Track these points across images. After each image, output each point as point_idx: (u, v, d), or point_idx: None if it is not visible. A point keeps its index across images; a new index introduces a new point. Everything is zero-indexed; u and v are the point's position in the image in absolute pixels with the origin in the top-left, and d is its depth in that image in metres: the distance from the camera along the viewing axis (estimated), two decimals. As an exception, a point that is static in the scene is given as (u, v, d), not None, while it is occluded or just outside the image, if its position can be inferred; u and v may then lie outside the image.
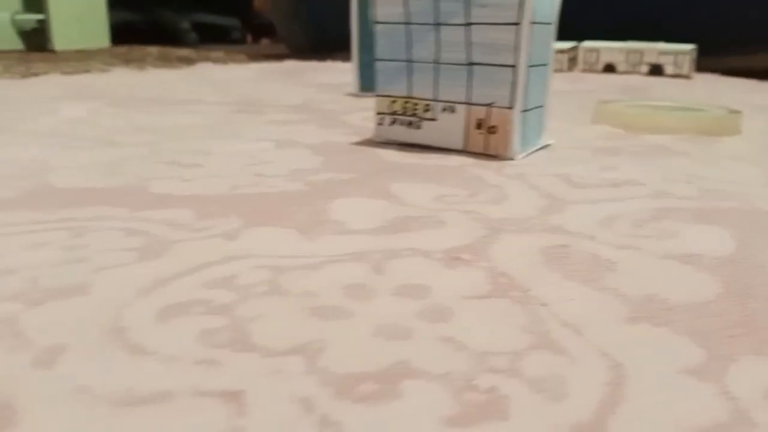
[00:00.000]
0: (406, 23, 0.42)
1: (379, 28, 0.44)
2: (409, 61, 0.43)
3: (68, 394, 0.15)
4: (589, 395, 0.15)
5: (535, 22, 0.39)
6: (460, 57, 0.41)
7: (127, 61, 1.37)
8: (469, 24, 0.40)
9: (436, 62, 0.42)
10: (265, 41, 3.15)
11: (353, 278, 0.22)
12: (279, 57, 1.57)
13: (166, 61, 1.40)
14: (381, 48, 0.44)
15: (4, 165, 0.37)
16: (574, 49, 1.11)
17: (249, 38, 3.12)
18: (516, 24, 0.38)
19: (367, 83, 0.74)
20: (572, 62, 1.12)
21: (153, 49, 1.87)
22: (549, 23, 0.41)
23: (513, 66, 0.39)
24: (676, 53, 1.04)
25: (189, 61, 1.38)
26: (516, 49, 0.38)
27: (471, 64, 0.41)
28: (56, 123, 0.53)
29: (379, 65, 0.45)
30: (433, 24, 0.41)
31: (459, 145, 0.43)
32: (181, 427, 0.14)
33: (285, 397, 0.15)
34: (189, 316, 0.19)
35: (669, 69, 1.05)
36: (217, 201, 0.31)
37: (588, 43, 1.12)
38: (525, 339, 0.18)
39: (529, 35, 0.38)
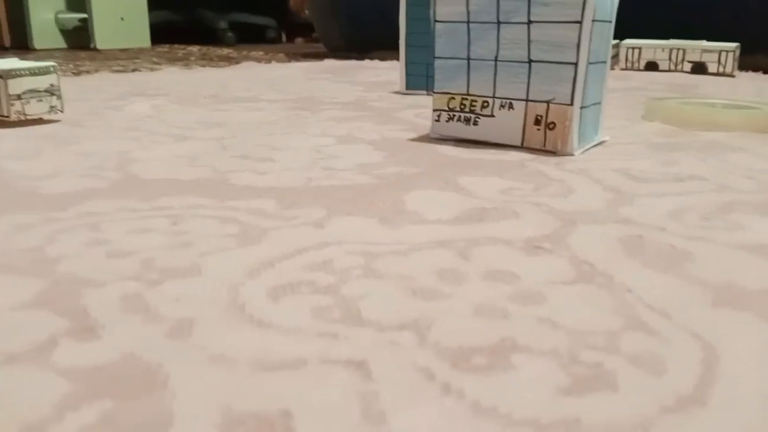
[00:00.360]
0: (467, 22, 0.43)
1: (439, 26, 0.45)
2: (469, 59, 0.44)
3: (208, 361, 0.16)
4: (687, 371, 0.16)
5: (595, 20, 0.40)
6: (521, 54, 0.42)
7: (172, 60, 1.40)
8: (530, 22, 0.41)
9: (496, 60, 0.43)
10: (299, 40, 3.18)
11: (443, 264, 0.23)
12: (318, 56, 1.59)
13: (208, 60, 1.43)
14: (440, 46, 0.45)
15: (89, 157, 0.39)
16: (615, 46, 1.11)
17: (284, 37, 3.15)
18: (578, 22, 0.39)
19: (413, 81, 0.76)
20: (613, 60, 1.12)
21: (194, 49, 1.90)
22: (609, 21, 0.42)
23: (574, 63, 0.40)
24: (720, 51, 1.04)
25: (231, 60, 1.41)
26: (578, 46, 0.39)
27: (531, 61, 0.42)
28: (126, 118, 0.55)
29: (437, 63, 0.46)
30: (494, 22, 0.42)
31: (517, 141, 0.44)
32: (318, 390, 0.15)
33: (406, 367, 0.16)
34: (299, 295, 0.20)
35: (712, 67, 1.04)
36: (297, 192, 0.32)
37: (629, 41, 1.12)
38: (617, 321, 0.19)
39: (591, 33, 0.39)
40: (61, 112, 0.53)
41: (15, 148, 0.43)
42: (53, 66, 0.52)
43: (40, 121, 0.53)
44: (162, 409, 0.15)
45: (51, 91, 0.52)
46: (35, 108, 0.51)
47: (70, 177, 0.35)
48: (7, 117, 0.50)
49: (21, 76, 0.49)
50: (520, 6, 0.41)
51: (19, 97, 0.50)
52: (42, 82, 0.51)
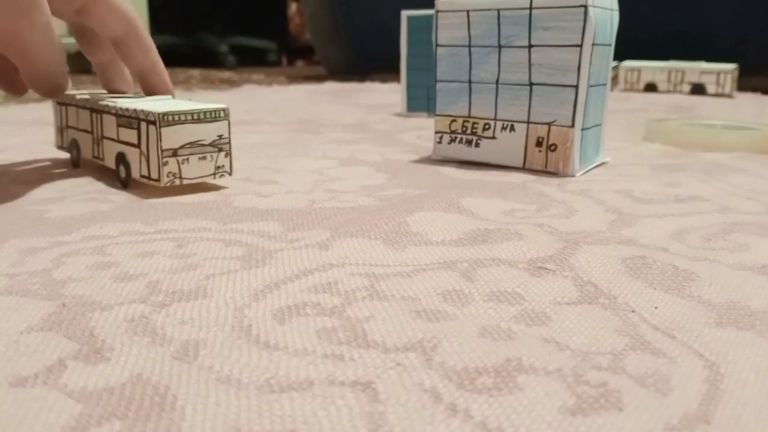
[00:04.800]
0: (468, 46, 0.44)
1: (440, 50, 0.46)
2: (470, 81, 0.45)
3: (216, 382, 0.17)
4: (692, 390, 0.17)
5: (595, 44, 0.40)
6: (522, 78, 0.42)
7: (173, 83, 1.41)
8: (531, 46, 0.41)
9: (497, 83, 0.44)
10: (299, 63, 3.21)
11: (447, 285, 0.23)
12: (318, 78, 1.60)
13: (210, 83, 1.44)
14: (442, 69, 0.46)
15: (94, 181, 0.40)
16: (614, 68, 1.12)
17: (285, 60, 3.18)
18: (578, 46, 0.39)
19: (414, 104, 0.76)
20: (613, 81, 1.13)
21: (195, 72, 1.92)
22: (608, 44, 0.42)
23: (575, 86, 0.40)
24: (718, 72, 1.05)
25: (233, 83, 1.42)
26: (578, 69, 0.40)
27: (532, 84, 0.42)
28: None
29: (439, 86, 0.46)
30: (496, 46, 0.43)
31: (518, 163, 0.44)
32: (326, 411, 0.15)
33: (413, 388, 0.16)
34: (304, 317, 0.20)
35: (711, 88, 1.05)
36: (300, 215, 0.32)
37: (629, 63, 1.13)
38: (622, 341, 0.19)
39: (591, 56, 0.40)
40: (229, 174, 0.37)
41: (22, 172, 0.43)
42: (224, 110, 0.36)
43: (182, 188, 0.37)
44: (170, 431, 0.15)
45: (219, 146, 0.36)
46: (196, 169, 0.36)
47: (76, 200, 0.35)
48: (156, 181, 0.35)
49: (181, 122, 0.35)
50: (521, 30, 0.41)
51: (175, 152, 0.35)
52: (208, 132, 0.36)
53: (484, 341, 0.19)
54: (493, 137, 0.45)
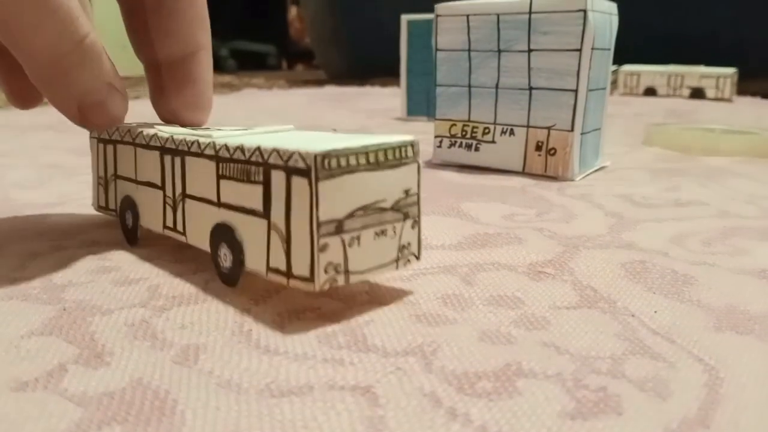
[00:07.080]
0: (468, 50, 0.44)
1: (440, 55, 0.46)
2: (470, 86, 0.45)
3: (216, 387, 0.17)
4: (692, 394, 0.17)
5: (594, 48, 0.40)
6: (521, 82, 0.42)
7: (174, 88, 1.41)
8: (530, 50, 0.41)
9: (497, 87, 0.44)
10: (299, 67, 3.21)
11: (447, 289, 0.23)
12: (318, 83, 1.60)
13: (210, 87, 1.43)
14: (442, 74, 0.46)
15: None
16: (614, 72, 1.13)
17: (285, 64, 3.18)
18: (578, 50, 0.39)
19: (414, 108, 0.76)
20: (612, 85, 1.13)
21: (196, 76, 1.91)
22: (607, 49, 0.42)
23: (574, 90, 0.40)
24: (718, 77, 1.05)
25: (233, 87, 1.42)
26: (577, 73, 0.40)
27: (531, 88, 0.42)
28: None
29: (439, 90, 0.47)
30: (495, 50, 0.43)
31: (518, 167, 0.44)
32: (326, 416, 0.15)
33: (413, 392, 0.16)
34: (304, 321, 0.20)
35: (710, 92, 1.05)
36: (300, 219, 0.32)
37: (628, 67, 1.13)
38: (621, 345, 0.19)
39: (590, 60, 0.40)
40: (417, 258, 0.22)
41: (22, 177, 0.44)
42: (412, 144, 0.20)
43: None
44: (170, 436, 0.15)
45: (404, 209, 0.20)
46: (370, 254, 0.20)
47: (77, 206, 0.35)
48: (307, 281, 0.19)
49: (351, 168, 0.18)
50: (521, 35, 0.42)
51: (340, 225, 0.19)
52: (392, 186, 0.20)
53: (484, 345, 0.19)
54: (493, 141, 0.45)
